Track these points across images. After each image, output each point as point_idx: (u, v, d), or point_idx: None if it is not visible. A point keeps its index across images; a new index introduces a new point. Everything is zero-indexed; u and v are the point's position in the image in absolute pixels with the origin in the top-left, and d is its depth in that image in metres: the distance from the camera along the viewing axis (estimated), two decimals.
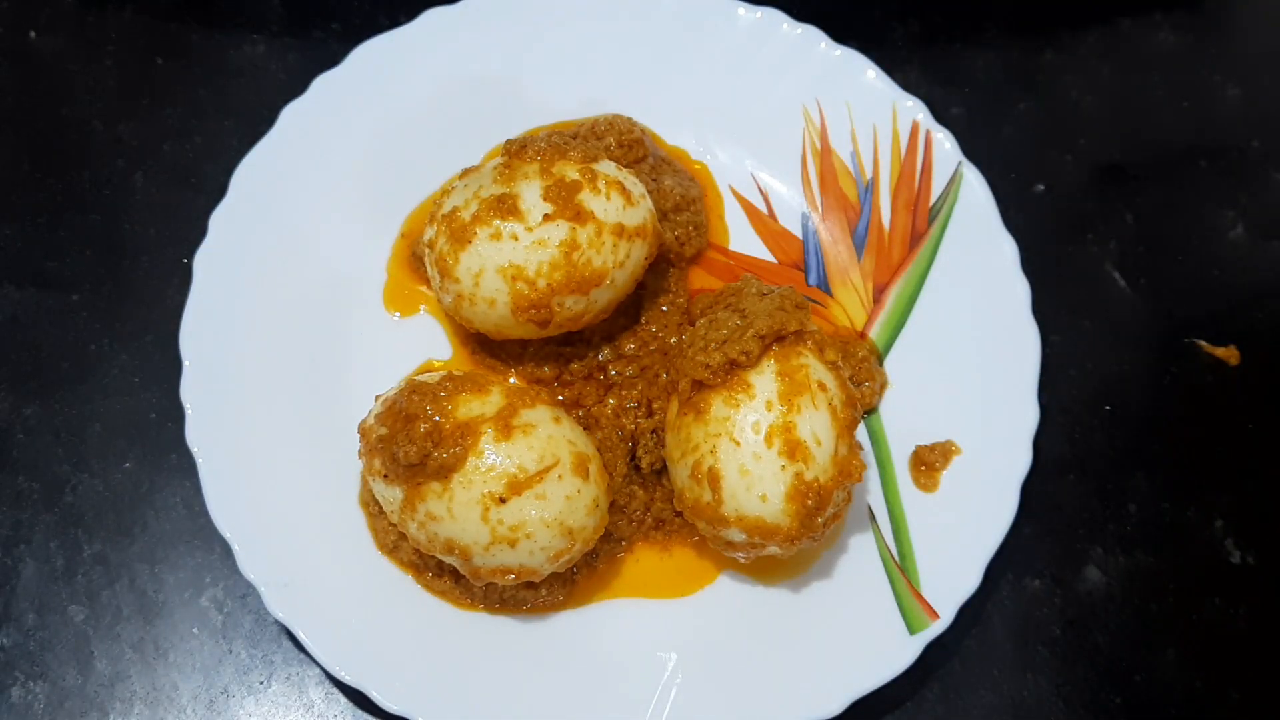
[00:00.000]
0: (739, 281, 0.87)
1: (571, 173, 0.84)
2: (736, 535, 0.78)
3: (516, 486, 0.76)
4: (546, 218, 0.82)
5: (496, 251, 0.82)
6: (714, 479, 0.77)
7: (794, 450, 0.76)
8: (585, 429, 0.85)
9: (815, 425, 0.77)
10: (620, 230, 0.84)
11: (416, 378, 0.81)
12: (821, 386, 0.79)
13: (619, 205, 0.84)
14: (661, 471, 0.86)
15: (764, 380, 0.78)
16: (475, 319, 0.86)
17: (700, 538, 0.83)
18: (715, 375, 0.78)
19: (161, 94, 1.07)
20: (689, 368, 0.80)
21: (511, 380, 0.91)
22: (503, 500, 0.76)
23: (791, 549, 0.78)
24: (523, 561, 0.77)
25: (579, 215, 0.83)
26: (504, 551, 0.77)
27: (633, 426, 0.87)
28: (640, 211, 0.86)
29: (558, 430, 0.79)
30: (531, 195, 0.83)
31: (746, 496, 0.77)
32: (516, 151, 0.86)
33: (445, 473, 0.76)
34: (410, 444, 0.76)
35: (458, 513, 0.76)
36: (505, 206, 0.83)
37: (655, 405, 0.87)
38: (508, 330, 0.87)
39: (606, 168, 0.86)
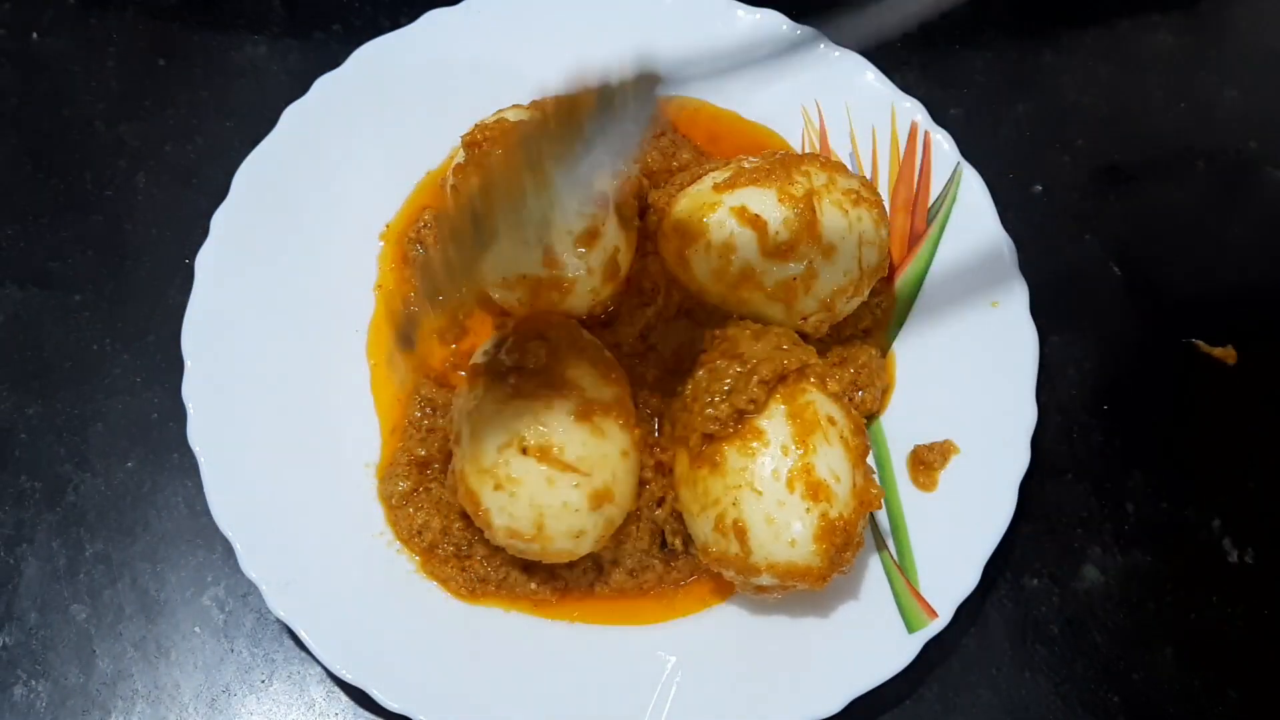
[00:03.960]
0: (731, 328, 0.84)
1: None
2: (767, 580, 0.78)
3: (542, 453, 0.76)
4: None
5: None
6: (740, 531, 0.77)
7: (816, 491, 0.76)
8: None
9: (832, 462, 0.77)
10: None
11: None
12: (830, 420, 0.79)
13: None
14: (688, 540, 0.84)
15: (775, 425, 0.78)
16: None
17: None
18: (724, 427, 0.78)
19: (163, 95, 1.07)
20: (696, 422, 0.79)
21: None
22: (524, 451, 0.76)
23: (822, 585, 0.78)
24: (509, 524, 0.78)
25: None
26: (500, 496, 0.78)
27: (654, 513, 0.85)
28: None
29: (619, 462, 0.79)
30: None
31: (775, 545, 0.76)
32: None
33: (530, 380, 0.77)
34: (516, 351, 0.78)
35: (483, 423, 0.78)
36: None
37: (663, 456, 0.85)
38: None
39: None
